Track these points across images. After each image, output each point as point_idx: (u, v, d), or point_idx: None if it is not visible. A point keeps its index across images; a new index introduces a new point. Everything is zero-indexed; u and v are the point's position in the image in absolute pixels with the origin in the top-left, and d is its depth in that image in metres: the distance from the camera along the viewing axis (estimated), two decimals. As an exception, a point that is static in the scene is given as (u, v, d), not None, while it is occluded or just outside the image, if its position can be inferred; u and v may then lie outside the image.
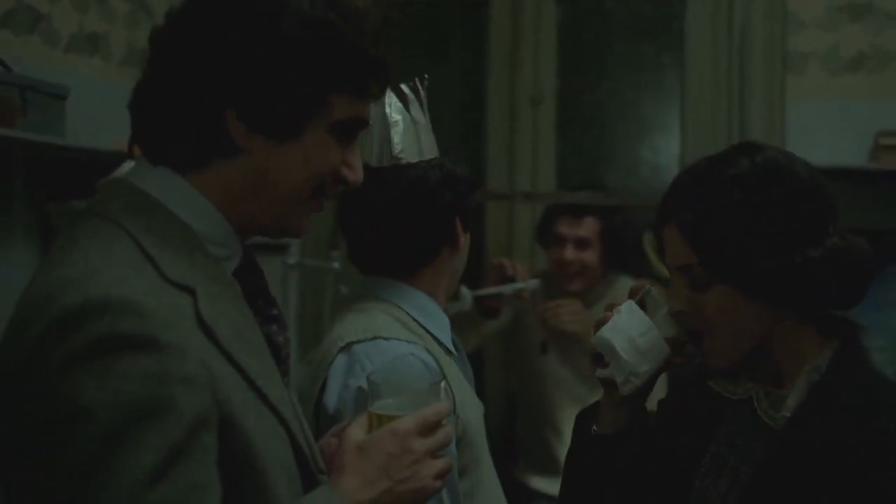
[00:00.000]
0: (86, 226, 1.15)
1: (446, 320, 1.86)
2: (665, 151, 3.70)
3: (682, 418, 1.52)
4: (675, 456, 1.49)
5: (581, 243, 3.07)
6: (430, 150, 1.81)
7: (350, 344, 1.72)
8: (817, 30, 3.37)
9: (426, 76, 1.82)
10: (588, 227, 3.07)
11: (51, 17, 2.76)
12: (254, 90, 1.15)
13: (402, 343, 1.72)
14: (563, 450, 2.96)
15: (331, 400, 1.70)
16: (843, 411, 1.33)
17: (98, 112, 2.65)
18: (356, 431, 1.26)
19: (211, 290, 1.13)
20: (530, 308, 3.06)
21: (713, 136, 3.48)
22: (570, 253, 3.06)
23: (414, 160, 1.78)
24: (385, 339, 1.72)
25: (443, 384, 1.32)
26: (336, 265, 3.13)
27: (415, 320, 1.80)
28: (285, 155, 1.18)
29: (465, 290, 2.87)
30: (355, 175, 1.24)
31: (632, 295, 1.53)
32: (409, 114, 1.79)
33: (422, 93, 1.81)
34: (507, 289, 2.93)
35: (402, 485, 1.21)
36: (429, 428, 1.25)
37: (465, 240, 1.86)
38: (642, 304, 1.50)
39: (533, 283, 2.97)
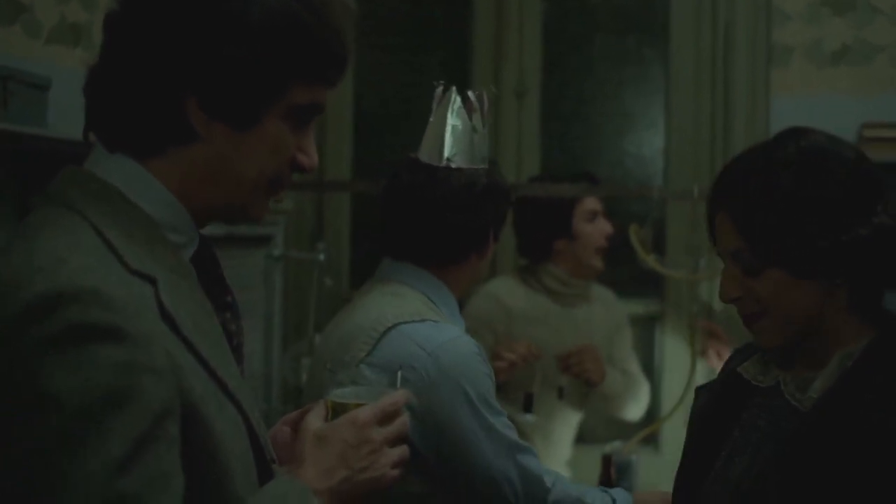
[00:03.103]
0: (47, 214, 1.14)
1: (462, 320, 1.92)
2: (649, 144, 3.70)
3: (712, 405, 1.54)
4: (700, 440, 1.53)
5: (605, 216, 3.00)
6: (482, 159, 1.86)
7: (397, 324, 1.76)
8: (801, 23, 3.38)
9: (494, 89, 1.86)
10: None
11: (33, 7, 2.73)
12: (217, 79, 1.14)
13: (451, 326, 1.79)
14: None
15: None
16: (873, 399, 1.33)
17: (80, 103, 2.62)
18: (314, 420, 1.27)
19: (171, 279, 1.13)
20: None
21: (697, 128, 3.49)
22: (609, 225, 2.97)
23: (464, 166, 1.83)
24: (434, 321, 1.78)
25: (399, 374, 1.36)
26: (321, 257, 3.12)
27: (442, 312, 1.85)
28: (244, 143, 1.17)
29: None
30: (310, 160, 1.24)
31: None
32: (470, 121, 1.84)
33: (486, 103, 1.87)
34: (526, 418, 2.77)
35: (360, 474, 1.23)
36: (387, 417, 1.26)
37: (492, 250, 1.93)
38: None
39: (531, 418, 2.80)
